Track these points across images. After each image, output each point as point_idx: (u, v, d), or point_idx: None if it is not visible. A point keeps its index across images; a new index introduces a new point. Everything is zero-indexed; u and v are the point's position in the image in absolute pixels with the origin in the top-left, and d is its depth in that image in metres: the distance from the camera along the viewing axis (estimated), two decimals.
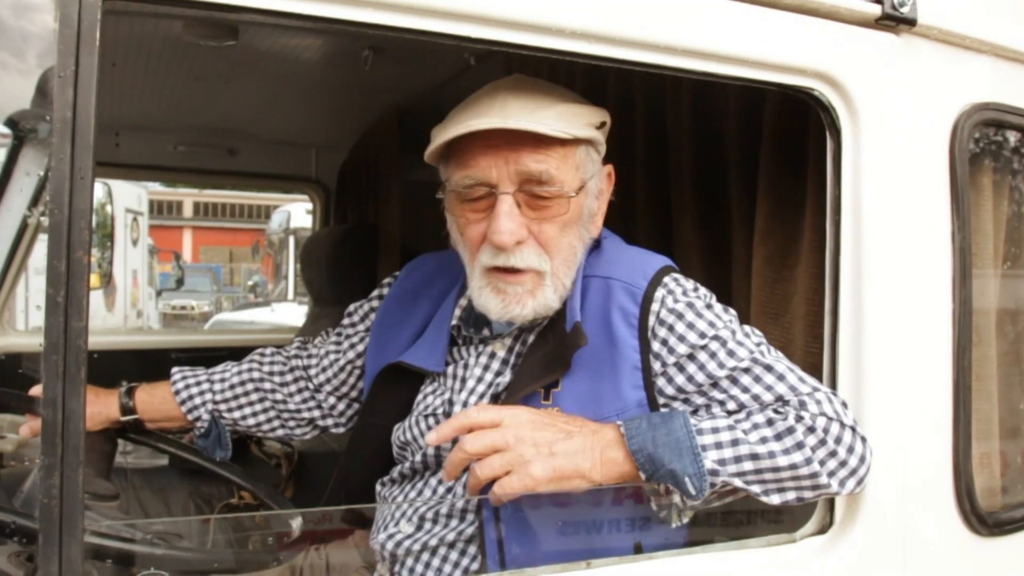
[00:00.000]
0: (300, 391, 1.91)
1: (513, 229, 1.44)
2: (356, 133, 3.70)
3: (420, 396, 1.66)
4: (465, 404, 1.56)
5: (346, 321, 1.89)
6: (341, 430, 1.92)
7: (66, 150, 0.99)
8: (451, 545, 1.54)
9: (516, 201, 1.45)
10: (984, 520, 1.65)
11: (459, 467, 1.38)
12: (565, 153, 1.47)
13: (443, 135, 1.46)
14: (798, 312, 1.70)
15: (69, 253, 0.99)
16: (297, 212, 11.88)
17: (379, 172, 3.49)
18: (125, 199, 11.74)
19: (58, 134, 0.99)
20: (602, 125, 1.54)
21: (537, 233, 1.47)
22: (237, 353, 2.01)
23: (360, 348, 1.84)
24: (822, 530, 1.52)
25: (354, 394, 1.89)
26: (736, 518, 1.51)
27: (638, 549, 1.48)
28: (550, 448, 1.34)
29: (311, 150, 4.09)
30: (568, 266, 1.51)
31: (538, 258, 1.47)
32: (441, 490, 1.58)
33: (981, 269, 1.70)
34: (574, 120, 1.48)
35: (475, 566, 1.51)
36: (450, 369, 1.63)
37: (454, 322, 1.63)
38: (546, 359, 1.48)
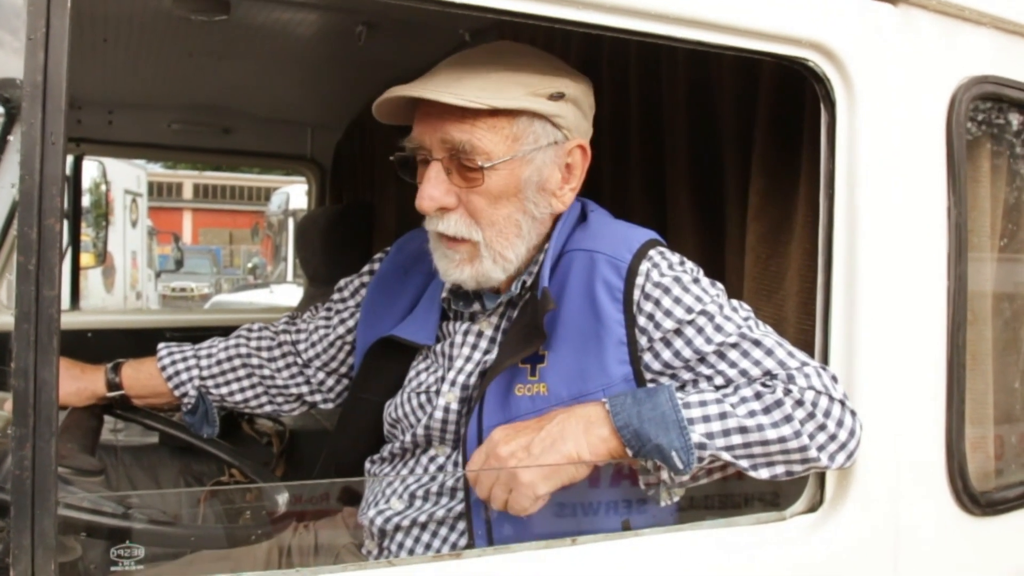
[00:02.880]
0: (288, 366, 1.90)
1: (434, 195, 1.44)
2: (351, 112, 3.68)
3: (412, 372, 1.65)
4: (454, 383, 1.55)
5: (336, 296, 1.87)
6: (330, 406, 1.91)
7: (37, 115, 0.97)
8: (441, 522, 1.54)
9: (447, 168, 1.45)
10: (977, 500, 1.64)
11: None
12: (494, 123, 1.43)
13: (380, 98, 1.47)
14: (791, 289, 1.68)
15: (40, 220, 0.97)
16: (296, 194, 11.86)
17: (375, 151, 3.47)
18: (124, 180, 11.71)
19: (28, 99, 0.97)
20: (559, 96, 1.47)
21: (466, 202, 1.46)
22: None
23: (350, 323, 1.83)
24: (812, 508, 1.50)
25: (343, 370, 1.87)
26: (725, 496, 1.50)
27: (627, 527, 1.47)
28: (527, 450, 1.36)
29: (306, 129, 4.08)
30: (508, 239, 1.49)
31: (467, 228, 1.47)
32: (432, 468, 1.58)
33: (977, 246, 1.68)
34: (510, 90, 1.43)
35: (463, 542, 1.50)
36: (439, 347, 1.62)
37: (444, 294, 1.62)
38: (523, 331, 1.47)
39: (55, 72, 0.98)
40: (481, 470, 1.39)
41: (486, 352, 1.56)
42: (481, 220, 1.47)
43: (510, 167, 1.45)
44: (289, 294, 9.81)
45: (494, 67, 1.47)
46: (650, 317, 1.45)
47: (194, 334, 2.19)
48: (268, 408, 1.93)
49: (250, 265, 20.71)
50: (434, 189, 1.44)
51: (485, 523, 1.45)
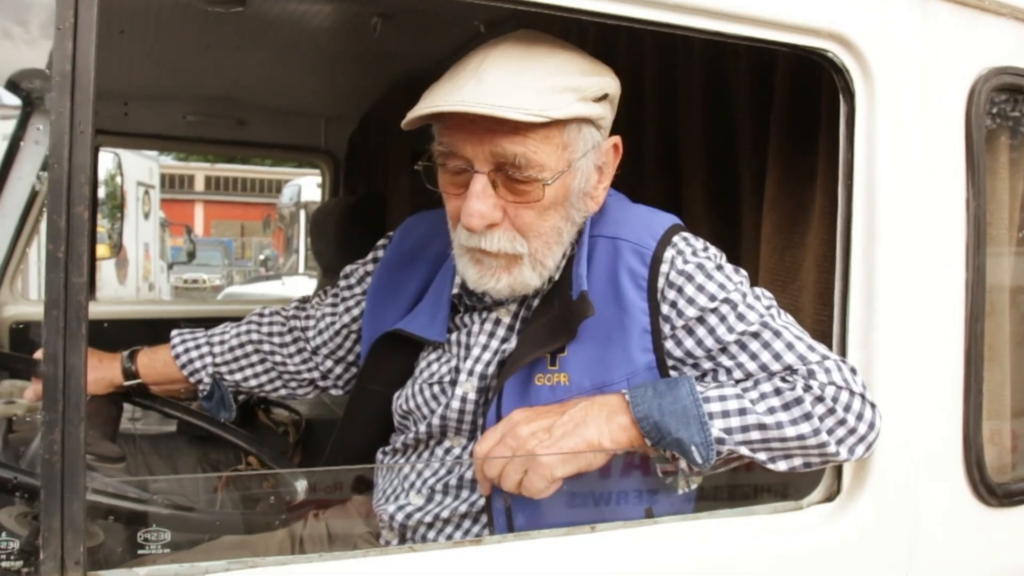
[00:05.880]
0: (299, 352, 1.90)
1: (484, 212, 1.36)
2: (366, 103, 3.68)
3: (423, 364, 1.62)
4: (471, 372, 1.53)
5: (342, 283, 1.85)
6: (340, 392, 1.91)
7: (65, 104, 0.98)
8: (464, 515, 1.52)
9: (492, 181, 1.36)
10: (994, 490, 1.64)
11: (490, 485, 1.40)
12: (547, 134, 1.35)
13: (416, 108, 1.37)
14: (808, 280, 1.68)
15: (69, 208, 0.98)
16: (308, 186, 11.89)
17: (389, 143, 3.47)
18: (137, 172, 11.75)
19: (57, 88, 0.98)
20: (604, 97, 1.43)
21: (513, 216, 1.39)
22: None
23: (356, 312, 1.81)
24: (829, 498, 1.51)
25: (351, 358, 1.86)
26: (743, 485, 1.51)
27: (649, 515, 1.47)
28: (549, 432, 1.34)
29: (320, 120, 4.08)
30: (550, 248, 1.44)
31: (511, 243, 1.40)
32: (449, 460, 1.56)
33: (996, 238, 1.67)
34: (563, 97, 1.35)
35: (487, 534, 1.50)
36: (454, 336, 1.60)
37: (455, 291, 1.59)
38: (551, 325, 1.45)
39: (83, 61, 0.99)
40: (495, 450, 1.36)
41: (504, 341, 1.54)
42: (527, 233, 1.40)
43: (562, 178, 1.39)
44: (300, 286, 9.84)
45: (539, 68, 1.36)
46: (673, 305, 1.44)
47: (209, 325, 2.20)
48: (283, 392, 1.94)
49: (262, 257, 20.76)
50: (482, 204, 1.35)
51: (505, 512, 1.44)
